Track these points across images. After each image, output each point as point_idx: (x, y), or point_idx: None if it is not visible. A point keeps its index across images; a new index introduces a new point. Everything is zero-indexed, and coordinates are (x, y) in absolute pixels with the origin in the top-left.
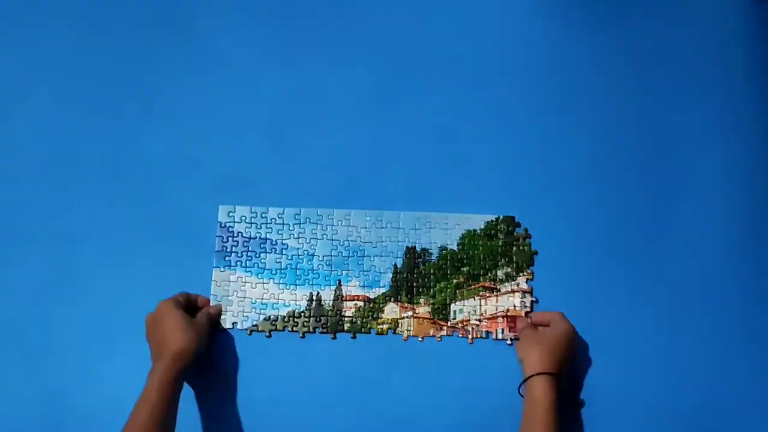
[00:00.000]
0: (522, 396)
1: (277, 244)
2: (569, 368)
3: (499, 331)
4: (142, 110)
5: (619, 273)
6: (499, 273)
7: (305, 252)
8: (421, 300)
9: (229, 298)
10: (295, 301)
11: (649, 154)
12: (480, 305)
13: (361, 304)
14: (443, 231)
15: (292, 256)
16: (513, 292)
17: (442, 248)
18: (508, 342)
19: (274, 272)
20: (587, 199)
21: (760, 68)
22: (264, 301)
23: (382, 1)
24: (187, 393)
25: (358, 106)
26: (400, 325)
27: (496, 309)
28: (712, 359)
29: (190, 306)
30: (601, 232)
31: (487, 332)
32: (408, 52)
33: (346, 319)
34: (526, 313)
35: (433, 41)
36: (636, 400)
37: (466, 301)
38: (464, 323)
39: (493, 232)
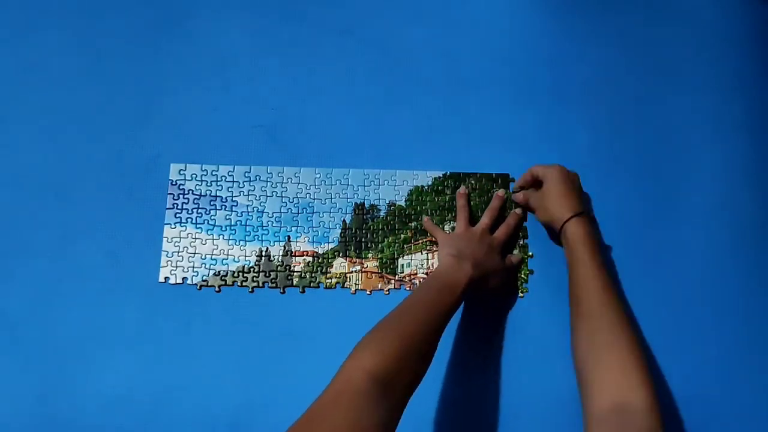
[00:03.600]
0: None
1: (227, 201)
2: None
3: None
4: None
5: (615, 272)
6: (447, 227)
7: (255, 209)
8: (370, 255)
9: (180, 254)
10: (245, 256)
11: (649, 154)
12: (427, 259)
13: (309, 259)
14: (391, 187)
15: (241, 212)
16: None
17: (391, 204)
18: None
19: (224, 228)
20: (585, 196)
21: (760, 68)
22: (214, 256)
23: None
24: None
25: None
26: (348, 279)
27: None
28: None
29: None
30: (600, 227)
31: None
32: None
33: (295, 274)
34: (513, 190)
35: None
36: None
37: (413, 255)
38: (412, 276)
39: (440, 188)
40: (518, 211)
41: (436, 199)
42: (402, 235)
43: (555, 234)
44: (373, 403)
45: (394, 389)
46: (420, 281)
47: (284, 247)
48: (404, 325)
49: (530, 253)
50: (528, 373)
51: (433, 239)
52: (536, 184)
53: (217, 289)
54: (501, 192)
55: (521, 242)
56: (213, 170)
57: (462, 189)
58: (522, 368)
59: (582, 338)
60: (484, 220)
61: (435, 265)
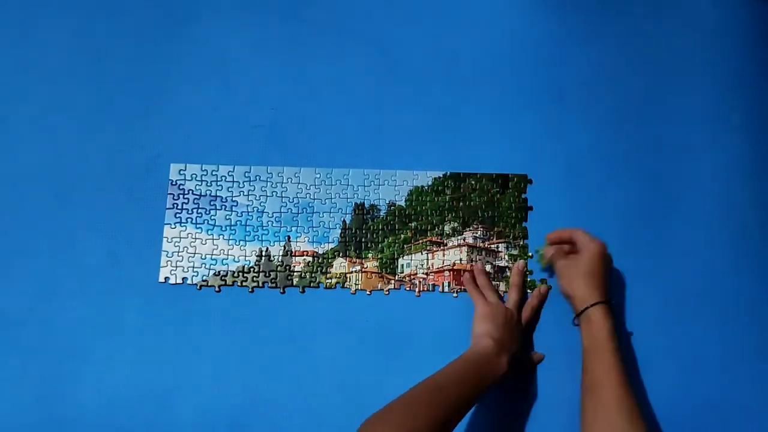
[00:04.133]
0: (577, 326)
1: (227, 201)
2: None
3: (446, 284)
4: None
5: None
6: (446, 228)
7: (255, 209)
8: (370, 255)
9: (180, 254)
10: (245, 256)
11: (649, 154)
12: (427, 259)
13: (309, 259)
14: (391, 187)
15: (241, 212)
16: (459, 246)
17: (391, 204)
18: (454, 295)
19: (224, 228)
20: (585, 197)
21: (760, 68)
22: (214, 256)
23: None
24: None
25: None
26: (348, 279)
27: (443, 263)
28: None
29: None
30: (599, 228)
31: (434, 285)
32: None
33: (295, 274)
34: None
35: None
36: None
37: (413, 255)
38: (411, 277)
39: (440, 188)
40: (544, 289)
41: (436, 199)
42: (402, 235)
43: (572, 308)
44: None
45: None
46: (419, 281)
47: (284, 247)
48: (436, 403)
49: (530, 254)
50: None
51: (433, 240)
52: (565, 245)
53: (217, 289)
54: (522, 264)
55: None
56: (213, 170)
57: (521, 264)
58: None
59: (596, 426)
60: (515, 297)
61: (434, 265)
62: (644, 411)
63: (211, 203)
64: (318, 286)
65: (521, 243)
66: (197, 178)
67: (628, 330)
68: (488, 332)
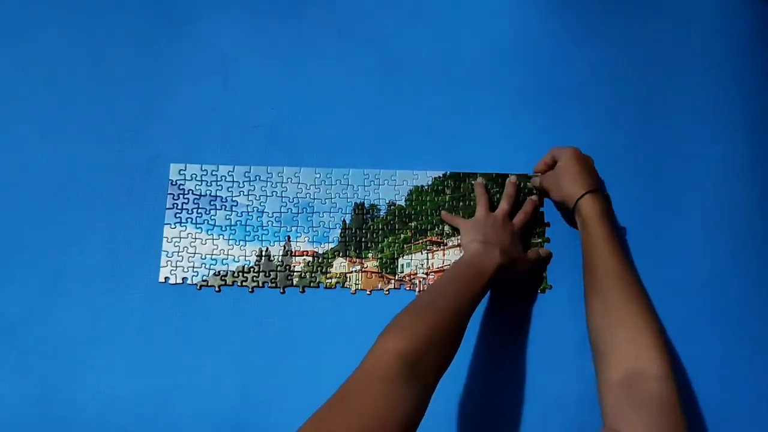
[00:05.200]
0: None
1: (227, 201)
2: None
3: None
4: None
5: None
6: (446, 227)
7: (255, 209)
8: (370, 255)
9: (180, 254)
10: (245, 256)
11: (649, 154)
12: (427, 259)
13: (309, 259)
14: (391, 187)
15: (241, 212)
16: (459, 246)
17: (390, 204)
18: None
19: (224, 228)
20: None
21: (760, 68)
22: (214, 256)
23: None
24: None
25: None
26: (348, 279)
27: (443, 262)
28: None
29: None
30: None
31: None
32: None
33: (295, 274)
34: (528, 177)
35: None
36: None
37: (413, 255)
38: (411, 276)
39: (440, 187)
40: (534, 197)
41: (436, 199)
42: (402, 235)
43: (569, 213)
44: (404, 385)
45: (424, 372)
46: (419, 280)
47: (284, 247)
48: (433, 310)
49: (547, 237)
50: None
51: (433, 239)
52: (553, 167)
53: (217, 289)
54: (514, 178)
55: (538, 230)
56: (213, 170)
57: (479, 179)
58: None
59: (597, 311)
60: (503, 206)
61: (434, 265)
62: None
63: (211, 203)
64: (318, 286)
65: (538, 230)
66: (197, 178)
67: None
68: (473, 238)
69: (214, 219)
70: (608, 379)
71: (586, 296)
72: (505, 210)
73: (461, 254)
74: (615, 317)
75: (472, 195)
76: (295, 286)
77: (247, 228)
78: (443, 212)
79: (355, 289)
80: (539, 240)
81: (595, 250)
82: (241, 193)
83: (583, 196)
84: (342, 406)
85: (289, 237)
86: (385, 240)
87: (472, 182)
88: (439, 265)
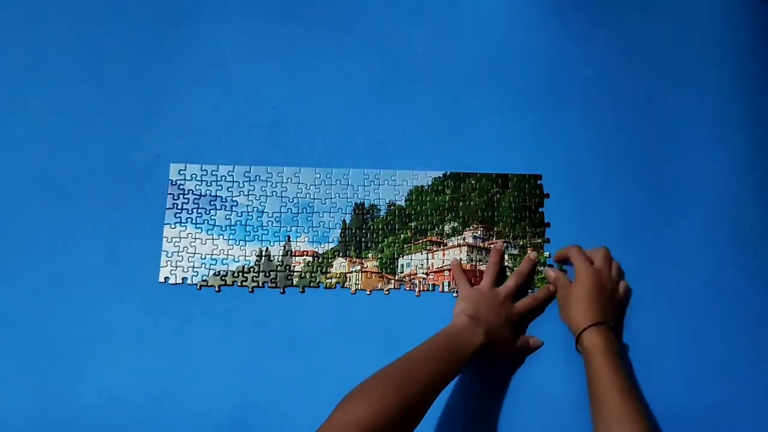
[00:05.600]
0: (580, 353)
1: (227, 201)
2: (615, 309)
3: (446, 284)
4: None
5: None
6: (446, 228)
7: (255, 209)
8: (370, 255)
9: (180, 254)
10: (245, 256)
11: (649, 154)
12: (427, 259)
13: (309, 259)
14: (391, 187)
15: (241, 212)
16: (459, 246)
17: (391, 204)
18: (454, 295)
19: (224, 228)
20: (585, 196)
21: (761, 68)
22: (214, 256)
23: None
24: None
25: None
26: (348, 279)
27: (443, 263)
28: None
29: None
30: (599, 228)
31: (434, 285)
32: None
33: (295, 274)
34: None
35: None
36: None
37: (413, 255)
38: (411, 276)
39: (440, 187)
40: (552, 287)
41: (436, 199)
42: (402, 235)
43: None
44: None
45: None
46: (419, 281)
47: (284, 247)
48: (407, 379)
49: (547, 238)
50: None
51: (433, 239)
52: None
53: (217, 289)
54: (533, 255)
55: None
56: (213, 170)
57: (499, 244)
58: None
59: None
60: (510, 284)
61: (434, 265)
62: (645, 411)
63: (211, 203)
64: (318, 286)
65: (521, 243)
66: (197, 178)
67: (628, 329)
68: (463, 310)
69: (214, 219)
70: None
71: (592, 422)
72: (511, 289)
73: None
74: None
75: (472, 195)
76: (295, 286)
77: (247, 228)
78: (454, 262)
79: (355, 289)
80: (539, 240)
81: (598, 384)
82: (241, 193)
83: (587, 328)
84: None
85: (289, 237)
86: (385, 240)
87: (472, 182)
88: (439, 265)
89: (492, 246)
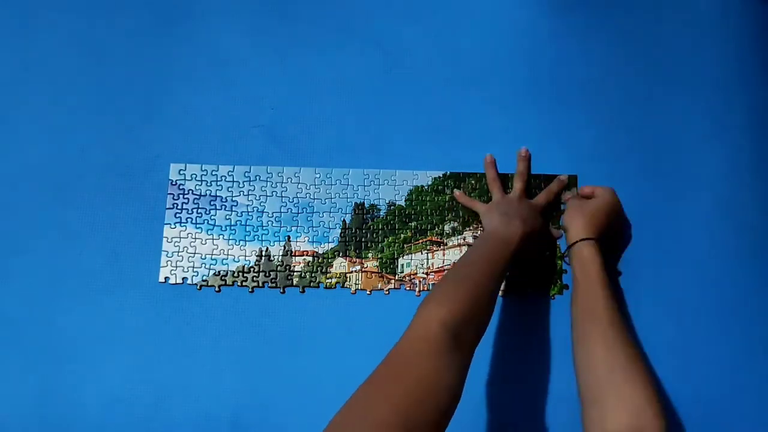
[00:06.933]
0: (568, 264)
1: (227, 201)
2: (611, 239)
3: None
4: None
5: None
6: (446, 227)
7: (255, 209)
8: (370, 255)
9: (180, 254)
10: (245, 256)
11: (650, 154)
12: (427, 259)
13: (309, 259)
14: (391, 187)
15: (241, 212)
16: (459, 246)
17: (390, 204)
18: None
19: (224, 228)
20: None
21: (761, 68)
22: (214, 256)
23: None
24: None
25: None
26: (348, 279)
27: (443, 263)
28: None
29: None
30: None
31: (434, 285)
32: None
33: (295, 274)
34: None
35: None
36: None
37: (413, 255)
38: (411, 276)
39: (440, 187)
40: (563, 177)
41: (436, 199)
42: (402, 235)
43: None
44: (450, 355)
45: (465, 338)
46: (419, 280)
47: (284, 247)
48: (469, 278)
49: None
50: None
51: (433, 239)
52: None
53: (217, 289)
54: (523, 151)
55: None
56: (213, 170)
57: (488, 157)
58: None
59: (599, 358)
60: (517, 185)
61: (434, 265)
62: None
63: (211, 203)
64: (318, 286)
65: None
66: (197, 178)
67: (628, 328)
68: (492, 218)
69: (214, 219)
70: (608, 427)
71: (581, 340)
72: (520, 189)
73: (480, 233)
74: (619, 369)
75: (472, 195)
76: (295, 286)
77: (247, 228)
78: (457, 193)
79: (355, 289)
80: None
81: (591, 296)
82: (241, 193)
83: (588, 239)
84: (391, 375)
85: (289, 237)
86: (385, 240)
87: (472, 182)
88: (439, 265)
89: (518, 153)
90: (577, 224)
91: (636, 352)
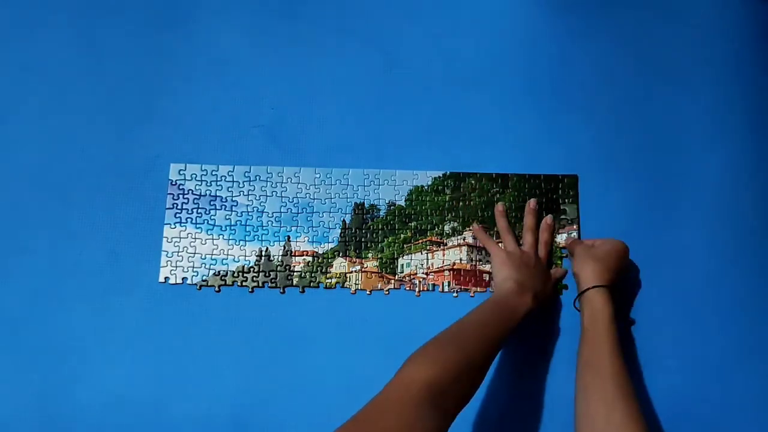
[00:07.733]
0: (578, 310)
1: (227, 201)
2: (621, 282)
3: (445, 284)
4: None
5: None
6: (446, 227)
7: (255, 209)
8: (369, 255)
9: (180, 254)
10: (245, 256)
11: (650, 154)
12: (427, 259)
13: (309, 259)
14: (391, 187)
15: (241, 212)
16: (459, 246)
17: (390, 204)
18: (454, 294)
19: (223, 228)
20: (585, 196)
21: (761, 68)
22: (214, 256)
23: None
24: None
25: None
26: (348, 279)
27: (443, 263)
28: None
29: None
30: (599, 228)
31: (434, 285)
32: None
33: (294, 274)
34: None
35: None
36: None
37: (413, 255)
38: (411, 276)
39: (440, 187)
40: (532, 204)
41: (435, 199)
42: (402, 235)
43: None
44: (425, 413)
45: (448, 401)
46: (419, 281)
47: (284, 247)
48: (463, 340)
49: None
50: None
51: (433, 239)
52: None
53: (217, 289)
54: (533, 203)
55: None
56: (213, 170)
57: (499, 206)
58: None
59: (595, 409)
60: (529, 240)
61: (434, 265)
62: (646, 407)
63: (211, 203)
64: (318, 286)
65: (521, 242)
66: (197, 178)
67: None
68: (509, 276)
69: (214, 219)
70: None
71: (582, 390)
72: (532, 244)
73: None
74: (614, 428)
75: (472, 195)
76: (295, 286)
77: (247, 228)
78: (476, 227)
79: (355, 289)
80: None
81: (597, 347)
82: (241, 193)
83: (598, 287)
84: (362, 426)
85: (289, 237)
86: (385, 240)
87: (472, 182)
88: (439, 265)
89: (496, 210)
90: (587, 271)
91: (634, 409)
